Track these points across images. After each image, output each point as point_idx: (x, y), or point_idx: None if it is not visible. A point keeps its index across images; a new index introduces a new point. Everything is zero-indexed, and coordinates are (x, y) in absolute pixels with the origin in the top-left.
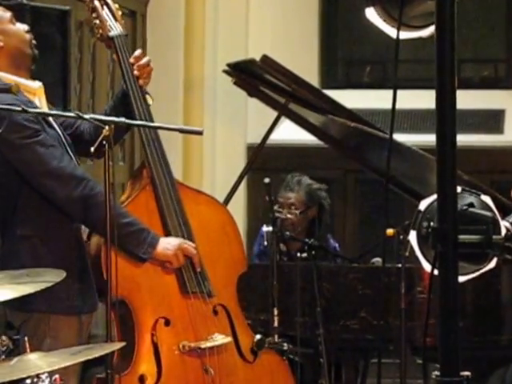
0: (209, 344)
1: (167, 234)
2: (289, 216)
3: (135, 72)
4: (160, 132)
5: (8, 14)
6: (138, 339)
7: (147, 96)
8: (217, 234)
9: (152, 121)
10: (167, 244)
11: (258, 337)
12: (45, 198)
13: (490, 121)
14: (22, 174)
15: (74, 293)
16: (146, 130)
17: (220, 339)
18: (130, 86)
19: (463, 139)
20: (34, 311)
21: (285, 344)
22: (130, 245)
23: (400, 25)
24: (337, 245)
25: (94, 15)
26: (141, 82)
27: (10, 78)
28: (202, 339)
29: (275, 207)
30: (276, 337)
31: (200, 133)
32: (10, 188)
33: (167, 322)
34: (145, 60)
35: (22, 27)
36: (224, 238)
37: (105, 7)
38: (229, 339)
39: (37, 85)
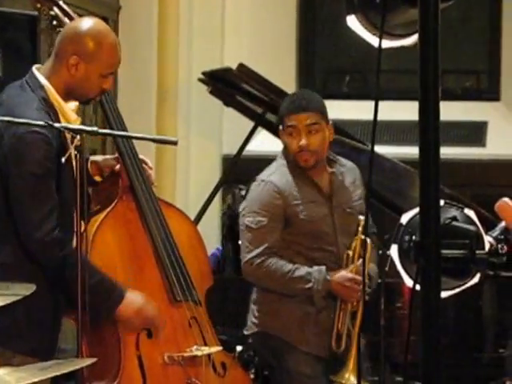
0: (199, 353)
1: (151, 241)
2: None
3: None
4: (133, 143)
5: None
6: (123, 353)
7: None
8: (186, 247)
9: (126, 130)
10: (130, 304)
11: (240, 348)
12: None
13: (472, 133)
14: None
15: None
16: (123, 140)
17: (209, 348)
18: (104, 96)
19: (444, 152)
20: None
21: (256, 358)
22: (96, 302)
23: (382, 33)
24: None
25: (55, 23)
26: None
27: (58, 100)
28: (183, 350)
29: None
30: (250, 352)
31: (174, 143)
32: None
33: (149, 334)
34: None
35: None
36: (192, 252)
37: (65, 16)
38: (219, 348)
39: (74, 116)
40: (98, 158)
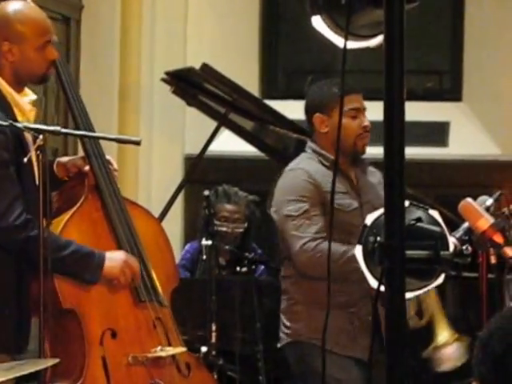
0: (164, 354)
1: (116, 241)
2: (236, 230)
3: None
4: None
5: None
6: (87, 352)
7: None
8: (151, 247)
9: (93, 130)
10: (113, 261)
11: (204, 349)
12: None
13: (435, 133)
14: None
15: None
16: (89, 139)
17: (173, 349)
18: (71, 95)
19: (407, 152)
20: None
21: (220, 359)
22: (78, 272)
23: (347, 34)
24: (260, 251)
25: None
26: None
27: (9, 92)
28: (148, 351)
29: (217, 222)
30: (214, 353)
31: (138, 143)
32: None
33: (114, 334)
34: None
35: None
36: (157, 252)
37: None
38: (183, 349)
39: (28, 107)
40: (65, 159)
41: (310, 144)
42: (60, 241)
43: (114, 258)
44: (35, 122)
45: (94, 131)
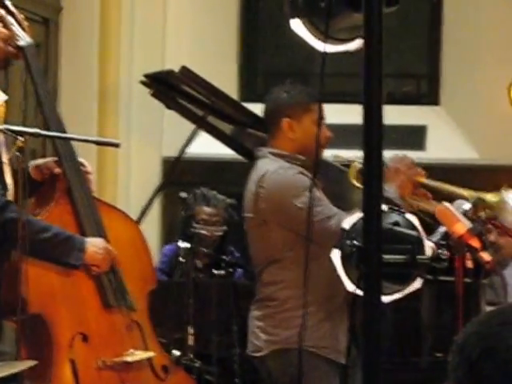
0: (132, 358)
1: None
2: (215, 233)
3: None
4: (74, 144)
5: None
6: (55, 356)
7: None
8: (128, 249)
9: (64, 131)
10: (95, 247)
11: (177, 353)
12: None
13: (412, 137)
14: None
15: None
16: (60, 142)
17: (142, 354)
18: (42, 97)
19: (385, 155)
20: None
21: (197, 361)
22: (60, 256)
23: (326, 37)
24: (238, 254)
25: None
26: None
27: None
28: (119, 355)
29: (196, 225)
30: (191, 355)
31: (117, 145)
32: None
33: (85, 338)
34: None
35: None
36: (134, 254)
37: (10, 17)
38: (151, 353)
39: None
40: (39, 161)
41: (269, 150)
42: (40, 224)
43: (97, 244)
44: (5, 119)
45: (65, 132)
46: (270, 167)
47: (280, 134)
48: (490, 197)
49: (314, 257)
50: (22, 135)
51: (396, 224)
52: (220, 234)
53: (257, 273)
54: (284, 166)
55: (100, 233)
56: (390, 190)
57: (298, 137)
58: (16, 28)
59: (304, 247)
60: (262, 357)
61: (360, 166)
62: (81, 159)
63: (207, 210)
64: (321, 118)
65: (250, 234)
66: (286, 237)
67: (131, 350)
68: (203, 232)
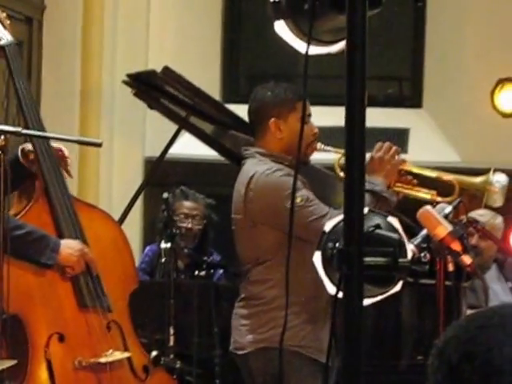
0: (106, 359)
1: None
2: (196, 227)
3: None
4: (56, 143)
5: None
6: (31, 356)
7: None
8: (109, 249)
9: (44, 130)
10: (70, 249)
11: (155, 353)
12: None
13: (395, 140)
14: None
15: None
16: (39, 141)
17: (118, 354)
18: (22, 96)
19: (366, 157)
20: None
21: (178, 362)
22: (33, 254)
23: (310, 39)
24: (219, 258)
25: None
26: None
27: None
28: (97, 355)
29: (177, 218)
30: (171, 356)
31: (99, 145)
32: None
33: (61, 338)
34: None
35: None
36: (116, 254)
37: None
38: (127, 354)
39: None
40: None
41: (257, 149)
42: (15, 221)
43: (72, 246)
44: None
45: (44, 130)
46: (258, 168)
47: (267, 134)
48: (477, 179)
49: (300, 258)
50: (2, 134)
51: (377, 227)
52: (200, 227)
53: (243, 271)
54: (272, 167)
55: (77, 234)
56: (377, 181)
57: (284, 136)
58: None
59: (294, 248)
60: (245, 354)
61: None
62: (55, 144)
63: (187, 203)
64: (308, 114)
65: (239, 235)
66: (275, 238)
67: (110, 351)
68: (184, 225)
